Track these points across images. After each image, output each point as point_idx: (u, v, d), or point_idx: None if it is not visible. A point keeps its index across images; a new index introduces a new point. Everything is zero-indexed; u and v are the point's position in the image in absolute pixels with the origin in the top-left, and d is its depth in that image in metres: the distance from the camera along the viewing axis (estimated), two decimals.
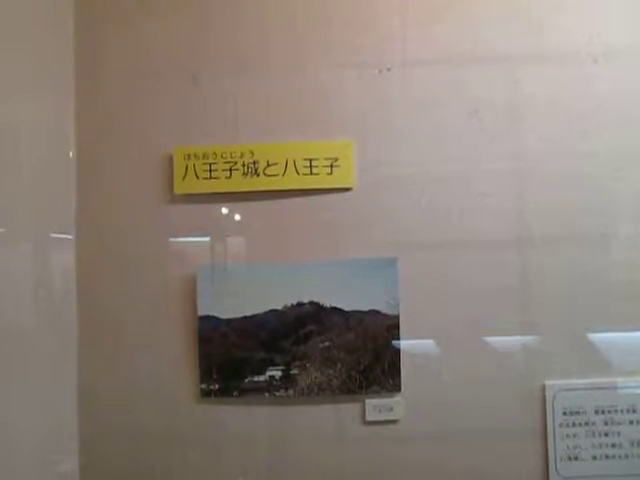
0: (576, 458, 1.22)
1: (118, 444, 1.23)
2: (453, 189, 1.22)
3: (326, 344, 1.18)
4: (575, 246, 1.22)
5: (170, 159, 1.23)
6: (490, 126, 1.23)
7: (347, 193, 1.22)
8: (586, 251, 1.22)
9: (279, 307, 1.19)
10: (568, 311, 1.22)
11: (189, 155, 1.21)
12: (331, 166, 1.20)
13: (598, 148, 1.22)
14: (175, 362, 1.22)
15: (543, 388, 1.21)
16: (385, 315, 1.19)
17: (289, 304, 1.19)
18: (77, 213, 1.25)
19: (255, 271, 1.20)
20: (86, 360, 1.24)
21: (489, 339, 1.22)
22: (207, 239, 1.23)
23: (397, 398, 1.20)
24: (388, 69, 1.22)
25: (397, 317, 1.19)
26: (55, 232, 1.22)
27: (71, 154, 1.25)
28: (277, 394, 1.19)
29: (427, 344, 1.21)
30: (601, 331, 1.22)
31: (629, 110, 1.22)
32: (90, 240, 1.24)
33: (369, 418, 1.20)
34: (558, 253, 1.22)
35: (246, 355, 1.19)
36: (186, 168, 1.21)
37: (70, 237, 1.24)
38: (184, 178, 1.21)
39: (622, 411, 1.22)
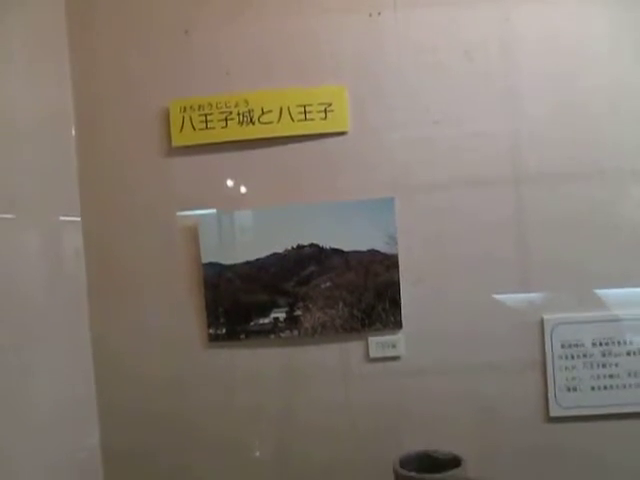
0: (575, 389, 1.25)
1: (132, 390, 1.28)
2: (448, 129, 1.24)
3: (327, 284, 1.21)
4: (572, 181, 1.24)
5: (166, 113, 1.24)
6: (483, 66, 1.23)
7: (342, 137, 1.24)
8: (583, 186, 1.24)
9: (280, 250, 1.22)
10: (566, 246, 1.24)
11: (185, 107, 1.23)
12: (325, 111, 1.22)
13: (594, 83, 1.23)
14: (183, 309, 1.25)
15: (541, 322, 1.24)
16: (384, 254, 1.21)
17: (290, 247, 1.22)
18: (80, 171, 1.27)
19: (255, 217, 1.23)
20: (97, 313, 1.29)
21: (487, 276, 1.24)
22: (207, 189, 1.25)
23: (399, 335, 1.23)
24: (379, 13, 1.23)
25: (396, 256, 1.21)
26: (61, 193, 1.25)
27: (73, 132, 1.28)
28: (282, 335, 1.22)
29: (426, 281, 1.23)
30: (599, 265, 1.23)
31: (623, 45, 1.22)
32: (94, 197, 1.27)
33: (373, 355, 1.23)
34: (555, 189, 1.24)
35: (250, 299, 1.22)
36: (182, 120, 1.23)
37: (75, 195, 1.26)
38: (181, 130, 1.24)
39: (619, 343, 1.24)
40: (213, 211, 1.23)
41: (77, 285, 1.26)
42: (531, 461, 1.23)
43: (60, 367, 1.16)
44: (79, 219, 1.26)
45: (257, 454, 1.25)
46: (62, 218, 1.24)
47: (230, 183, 1.25)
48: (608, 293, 1.24)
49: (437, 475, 0.98)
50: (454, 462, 1.03)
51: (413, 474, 0.99)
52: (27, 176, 1.11)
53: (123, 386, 1.28)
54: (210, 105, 1.22)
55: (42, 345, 1.11)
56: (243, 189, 1.25)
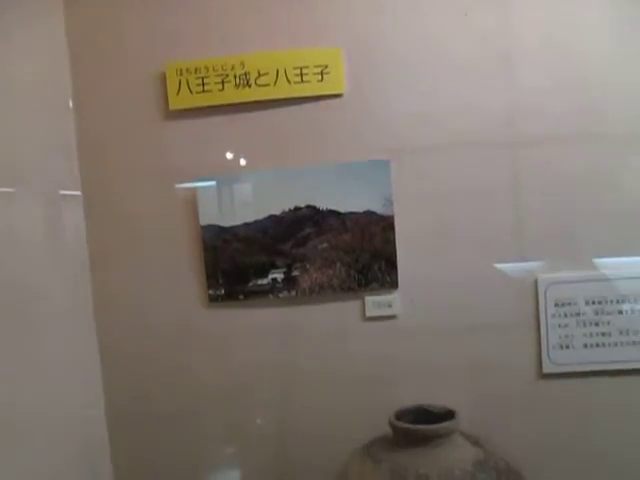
0: (568, 347, 1.27)
1: (135, 350, 1.31)
2: (444, 90, 1.24)
3: (324, 245, 1.23)
4: (567, 146, 1.25)
5: (163, 76, 1.25)
6: (481, 30, 1.23)
7: (338, 99, 1.24)
8: (579, 150, 1.25)
9: (277, 212, 1.23)
10: (560, 209, 1.25)
11: (181, 70, 1.24)
12: (321, 73, 1.22)
13: (590, 48, 1.23)
14: (183, 272, 1.28)
15: (535, 282, 1.25)
16: (380, 216, 1.23)
17: (287, 209, 1.23)
18: (79, 142, 1.29)
19: (252, 179, 1.24)
20: (100, 277, 1.31)
21: (482, 237, 1.25)
22: (205, 152, 1.26)
23: (395, 295, 1.25)
24: None
25: (392, 217, 1.23)
26: (61, 165, 1.25)
27: (71, 103, 1.28)
28: (280, 295, 1.25)
29: (422, 242, 1.25)
30: (592, 228, 1.25)
31: (621, 12, 1.22)
32: (93, 162, 1.28)
33: (369, 314, 1.26)
34: (550, 153, 1.25)
35: (249, 260, 1.24)
36: (179, 83, 1.24)
37: (75, 162, 1.27)
38: (178, 93, 1.24)
39: (611, 302, 1.26)
40: (211, 174, 1.24)
41: (79, 253, 1.28)
42: (524, 416, 1.26)
43: (64, 331, 1.19)
44: (80, 181, 1.27)
45: (255, 410, 1.27)
46: (63, 192, 1.25)
47: (227, 146, 1.26)
48: (601, 254, 1.25)
49: (431, 426, 1.01)
50: (448, 415, 1.06)
51: (408, 425, 1.02)
52: (26, 149, 1.12)
53: (126, 347, 1.31)
54: (207, 68, 1.23)
55: (46, 314, 1.12)
56: (240, 152, 1.25)
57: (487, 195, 1.25)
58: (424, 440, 0.99)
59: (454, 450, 1.00)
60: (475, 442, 1.03)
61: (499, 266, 1.26)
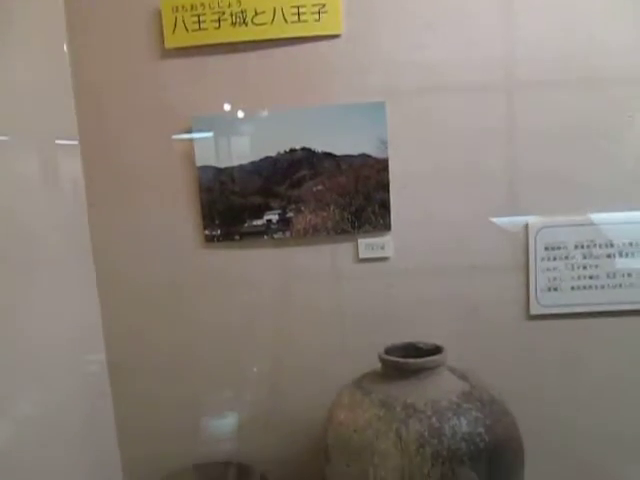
0: (555, 289, 1.30)
1: (133, 291, 1.34)
2: (442, 33, 1.23)
3: (319, 187, 1.24)
4: (563, 91, 1.24)
5: (159, 14, 1.23)
6: None
7: (335, 40, 1.23)
8: (574, 96, 1.24)
9: (273, 154, 1.24)
10: (553, 155, 1.26)
11: (177, 7, 1.22)
12: (319, 12, 1.21)
13: None
14: (179, 212, 1.29)
15: (526, 226, 1.28)
16: (375, 158, 1.24)
17: (282, 151, 1.24)
18: (75, 87, 1.28)
19: (248, 120, 1.25)
20: (97, 223, 1.33)
21: (476, 181, 1.27)
22: (201, 92, 1.26)
23: (387, 237, 1.28)
24: None
25: (386, 160, 1.24)
26: (56, 104, 1.24)
27: (65, 48, 1.26)
28: (275, 236, 1.27)
29: (415, 186, 1.27)
30: (583, 171, 1.26)
31: None
32: (90, 106, 1.28)
33: (362, 256, 1.28)
34: (546, 98, 1.25)
35: (244, 201, 1.26)
36: (175, 21, 1.23)
37: (71, 108, 1.27)
38: (174, 31, 1.23)
39: (600, 246, 1.29)
40: (207, 114, 1.24)
41: (76, 197, 1.29)
42: (511, 355, 1.30)
43: (63, 275, 1.20)
44: (76, 125, 1.27)
45: (251, 348, 1.32)
46: (59, 141, 1.25)
47: (223, 86, 1.25)
48: (593, 200, 1.26)
49: (419, 360, 1.05)
50: (436, 351, 1.10)
51: (397, 359, 1.06)
52: (21, 97, 1.10)
53: (124, 288, 1.33)
54: (203, 5, 1.21)
55: (45, 260, 1.14)
56: (236, 92, 1.25)
57: (482, 140, 1.26)
58: (412, 373, 1.03)
59: (441, 382, 1.04)
60: (462, 376, 1.07)
61: (491, 210, 1.27)
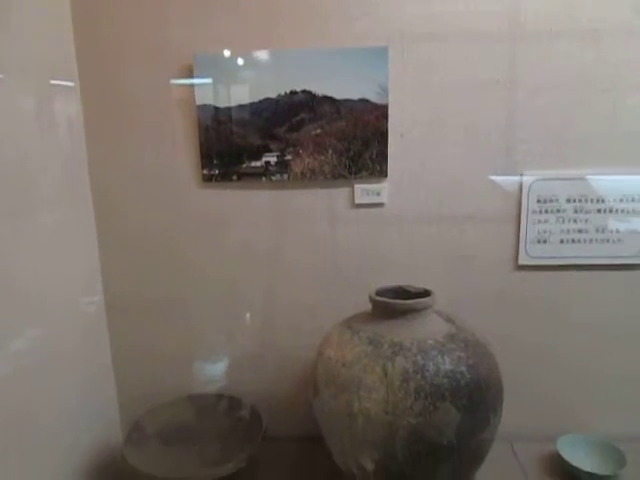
0: (545, 241, 1.33)
1: (132, 232, 1.37)
2: None
3: (318, 131, 1.25)
4: (567, 42, 1.24)
5: None
6: None
7: None
8: (578, 47, 1.24)
9: (273, 95, 1.24)
10: (551, 106, 1.26)
11: None
12: None
13: None
14: (178, 151, 1.30)
15: (520, 178, 1.30)
16: (374, 104, 1.24)
17: (283, 92, 1.24)
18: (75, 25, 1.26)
19: (249, 61, 1.24)
20: (96, 161, 1.34)
21: (474, 131, 1.28)
22: (202, 30, 1.25)
23: (384, 183, 1.29)
24: None
25: (386, 106, 1.24)
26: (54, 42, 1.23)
27: None
28: (273, 178, 1.29)
29: (414, 133, 1.27)
30: (581, 126, 1.27)
31: None
32: (88, 42, 1.27)
33: (358, 201, 1.30)
34: (550, 48, 1.24)
35: (243, 142, 1.27)
36: None
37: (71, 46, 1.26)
38: None
39: (591, 201, 1.31)
40: (207, 54, 1.24)
41: (75, 137, 1.29)
42: (498, 302, 1.34)
43: (62, 220, 1.22)
44: (75, 61, 1.26)
45: (246, 287, 1.35)
46: (57, 81, 1.24)
47: (225, 24, 1.24)
48: (588, 154, 1.28)
49: (408, 301, 1.08)
50: (425, 294, 1.13)
51: (387, 299, 1.09)
52: (17, 33, 1.09)
53: (123, 230, 1.36)
54: None
55: (43, 202, 1.15)
56: (238, 30, 1.24)
57: (483, 90, 1.26)
58: (401, 313, 1.07)
59: (428, 324, 1.08)
60: (448, 319, 1.11)
61: (487, 162, 1.29)
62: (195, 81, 1.25)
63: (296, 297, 1.35)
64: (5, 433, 1.00)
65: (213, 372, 1.40)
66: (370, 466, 1.01)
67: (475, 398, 0.99)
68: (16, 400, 1.04)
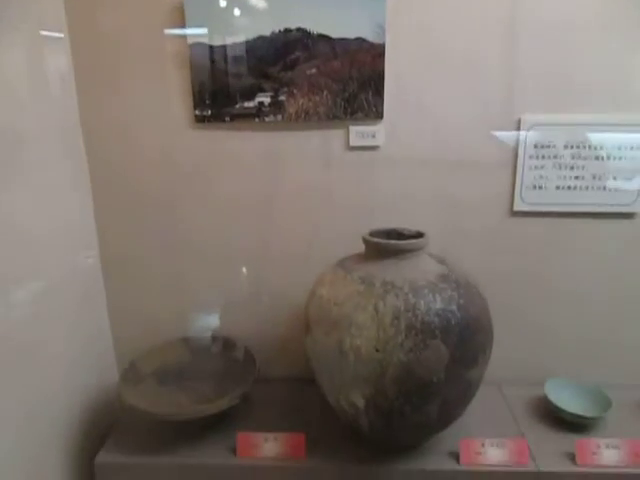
0: (540, 187, 1.32)
1: (125, 176, 1.35)
2: None
3: (313, 71, 1.23)
4: None
5: None
6: None
7: None
8: None
9: (267, 33, 1.21)
10: (553, 47, 1.24)
11: None
12: None
13: None
14: (170, 91, 1.28)
15: (519, 122, 1.27)
16: (371, 44, 1.21)
17: (277, 30, 1.21)
18: None
19: None
20: (87, 108, 1.30)
21: (472, 73, 1.25)
22: None
23: (379, 126, 1.28)
24: None
25: (383, 46, 1.21)
26: None
27: None
28: (267, 119, 1.26)
29: (410, 75, 1.25)
30: (582, 69, 1.24)
31: None
32: None
33: (352, 144, 1.29)
34: None
35: (236, 82, 1.24)
36: None
37: None
38: None
39: (590, 147, 1.30)
40: None
41: (66, 85, 1.26)
42: (492, 249, 1.34)
43: (55, 173, 1.21)
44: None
45: (239, 229, 1.35)
46: (46, 32, 1.20)
47: None
48: (587, 99, 1.26)
49: (400, 242, 1.08)
50: (418, 236, 1.13)
51: (379, 240, 1.09)
52: None
53: (117, 178, 1.35)
54: None
55: (35, 155, 1.13)
56: None
57: (482, 30, 1.23)
58: (393, 254, 1.07)
59: (420, 265, 1.08)
60: (441, 261, 1.11)
61: (485, 105, 1.27)
62: (187, 19, 1.21)
63: (290, 241, 1.35)
64: (7, 373, 1.03)
65: (208, 316, 1.41)
66: (361, 402, 1.03)
67: (465, 337, 1.00)
68: (16, 348, 1.05)
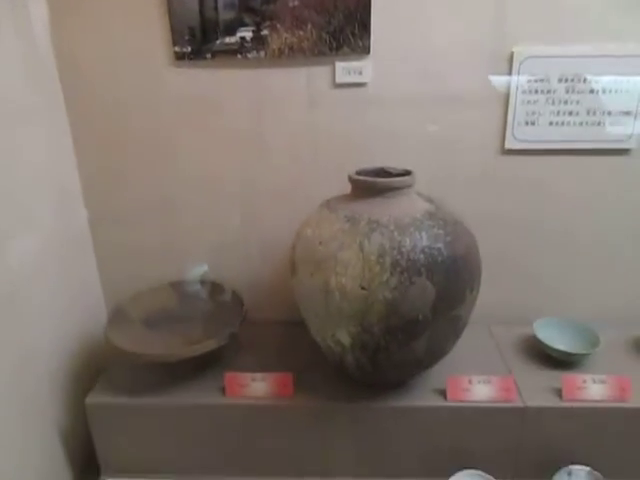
0: (533, 123, 1.28)
1: (105, 119, 1.31)
2: None
3: (296, 3, 1.18)
4: None
5: None
6: None
7: None
8: None
9: None
10: None
11: None
12: None
13: None
14: (148, 26, 1.22)
15: (511, 55, 1.23)
16: None
17: None
18: None
19: None
20: (62, 46, 1.25)
21: (461, 4, 1.20)
22: None
23: (366, 61, 1.23)
24: None
25: None
26: None
27: None
28: (249, 56, 1.22)
29: (399, 5, 1.20)
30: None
31: None
32: None
33: (339, 81, 1.24)
34: None
35: (215, 15, 1.19)
36: None
37: None
38: None
39: (585, 80, 1.25)
40: None
41: (39, 16, 1.21)
42: (482, 188, 1.32)
43: (34, 125, 1.18)
44: None
45: (223, 170, 1.32)
46: None
47: None
48: (583, 28, 1.20)
49: (387, 179, 1.05)
50: (405, 174, 1.10)
51: (365, 178, 1.07)
52: None
53: (96, 119, 1.31)
54: None
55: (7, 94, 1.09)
56: None
57: None
58: (379, 192, 1.05)
59: (407, 203, 1.06)
60: (428, 199, 1.09)
61: (476, 36, 1.22)
62: None
63: (275, 181, 1.33)
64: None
65: (195, 260, 1.39)
66: (347, 341, 1.03)
67: (451, 274, 0.98)
68: (7, 301, 1.05)
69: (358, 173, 1.10)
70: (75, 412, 1.23)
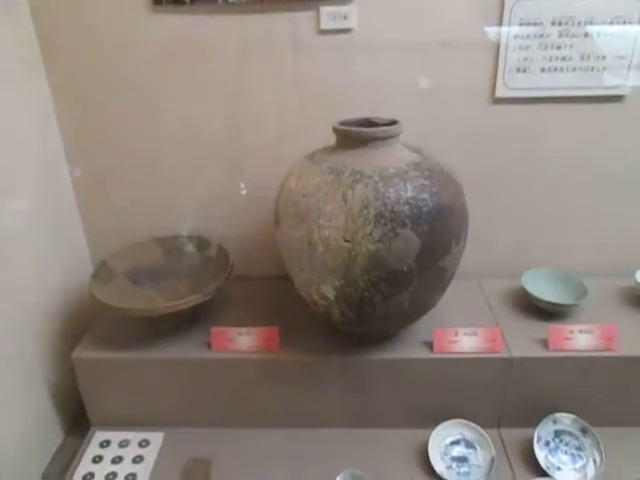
0: (525, 70, 1.24)
1: (82, 71, 1.27)
2: None
3: None
4: None
5: None
6: None
7: None
8: None
9: None
10: None
11: None
12: None
13: None
14: None
15: None
16: None
17: None
18: None
19: None
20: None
21: None
22: None
23: (352, 6, 1.18)
24: None
25: None
26: None
27: None
28: (230, 1, 1.16)
29: None
30: None
31: None
32: None
33: (323, 27, 1.20)
34: None
35: None
36: None
37: None
38: None
39: (579, 23, 1.20)
40: None
41: None
42: (471, 139, 1.28)
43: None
44: None
45: (206, 123, 1.29)
46: None
47: None
48: None
49: (371, 129, 1.02)
50: (391, 124, 1.06)
51: (349, 128, 1.03)
52: None
53: (74, 70, 1.26)
54: None
55: None
56: None
57: None
58: (363, 142, 1.02)
59: (392, 153, 1.03)
60: (415, 150, 1.06)
61: None
62: None
63: (259, 133, 1.29)
64: None
65: (180, 215, 1.37)
66: (331, 294, 1.02)
67: (437, 225, 0.97)
68: None
69: (342, 123, 1.07)
70: (63, 367, 1.23)
